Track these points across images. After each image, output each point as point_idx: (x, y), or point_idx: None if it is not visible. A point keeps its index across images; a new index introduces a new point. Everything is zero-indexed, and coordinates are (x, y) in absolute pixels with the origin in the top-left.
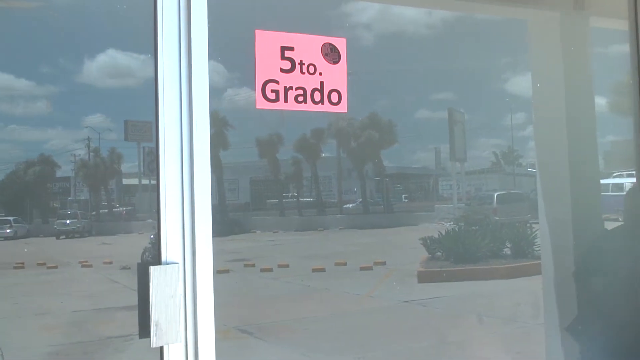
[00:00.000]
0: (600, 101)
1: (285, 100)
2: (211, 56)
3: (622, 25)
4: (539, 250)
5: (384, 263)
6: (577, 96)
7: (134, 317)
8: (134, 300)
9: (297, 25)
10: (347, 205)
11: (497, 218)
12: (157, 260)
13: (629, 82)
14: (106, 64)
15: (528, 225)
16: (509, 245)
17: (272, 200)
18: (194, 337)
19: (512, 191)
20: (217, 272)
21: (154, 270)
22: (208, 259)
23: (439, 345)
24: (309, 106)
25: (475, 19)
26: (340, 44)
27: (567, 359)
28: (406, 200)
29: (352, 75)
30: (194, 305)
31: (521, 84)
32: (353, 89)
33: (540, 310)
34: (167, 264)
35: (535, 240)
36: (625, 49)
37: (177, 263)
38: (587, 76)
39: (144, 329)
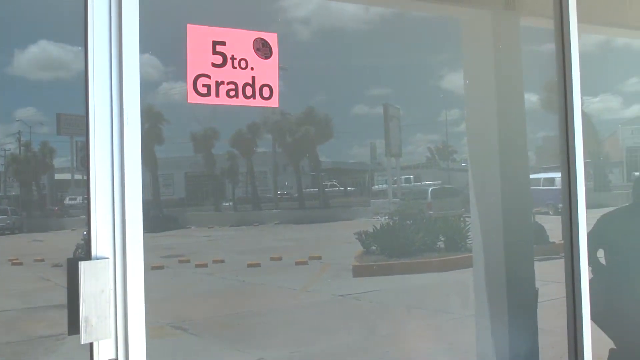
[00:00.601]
0: (533, 98)
1: (217, 94)
2: (145, 49)
3: (550, 24)
4: (472, 243)
5: (319, 258)
6: (508, 93)
7: (65, 316)
8: (65, 298)
9: (230, 20)
10: (283, 200)
11: (431, 212)
12: (88, 256)
13: (554, 80)
14: (37, 56)
15: (461, 219)
16: (442, 239)
17: (207, 196)
18: (124, 333)
19: (446, 186)
20: (152, 268)
21: (83, 265)
22: (139, 254)
23: (373, 338)
24: (241, 101)
25: (412, 16)
26: (272, 39)
27: (496, 348)
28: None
29: (289, 71)
30: (124, 300)
31: (456, 81)
32: (290, 84)
33: (471, 302)
34: (97, 259)
35: (468, 234)
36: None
37: (107, 258)
38: (518, 74)
39: (74, 325)
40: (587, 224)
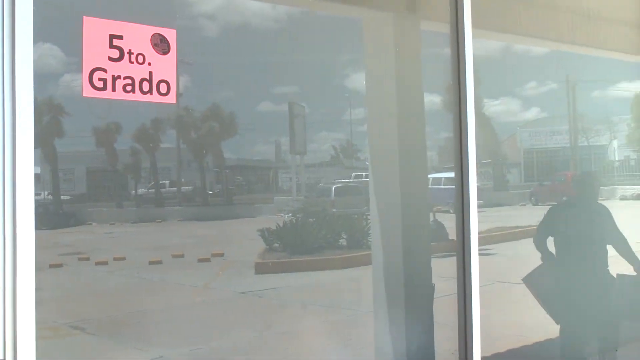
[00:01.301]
0: (435, 99)
1: (113, 89)
2: (45, 39)
3: (449, 29)
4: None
5: (222, 255)
6: (408, 94)
7: None
8: None
9: (130, 13)
10: (187, 197)
11: (334, 210)
12: None
13: (450, 83)
14: None
15: (364, 217)
16: (344, 237)
17: (109, 191)
18: (13, 333)
19: (349, 184)
20: (50, 266)
21: None
22: (30, 252)
23: (274, 334)
24: (138, 96)
25: (318, 15)
26: (170, 35)
27: (393, 343)
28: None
29: (194, 65)
30: (13, 300)
31: (360, 80)
32: (195, 80)
33: (370, 299)
34: None
35: (369, 232)
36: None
37: None
38: (418, 76)
39: None
40: (491, 221)
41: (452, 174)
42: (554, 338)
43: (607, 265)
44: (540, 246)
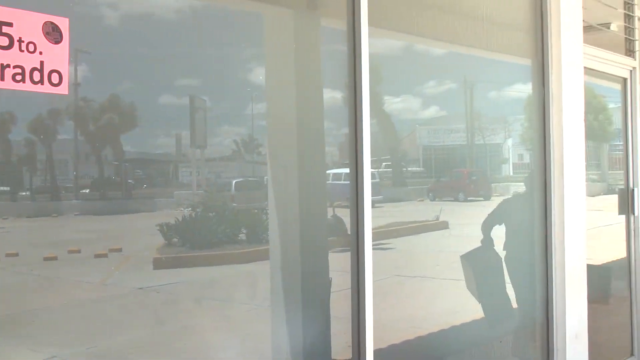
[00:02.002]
0: (337, 95)
1: (2, 78)
2: None
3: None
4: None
5: (120, 250)
6: (307, 90)
7: None
8: None
9: (22, 0)
10: (84, 191)
11: (234, 205)
12: None
13: (347, 80)
14: None
15: (263, 212)
16: (244, 231)
17: (2, 184)
18: None
19: (250, 179)
20: None
21: None
22: None
23: (172, 330)
24: (28, 86)
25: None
26: (63, 23)
27: (290, 337)
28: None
29: (92, 55)
30: None
31: (262, 75)
32: (93, 70)
33: (267, 293)
34: None
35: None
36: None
37: None
38: (317, 72)
39: None
40: (389, 216)
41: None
42: (447, 329)
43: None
44: (485, 231)
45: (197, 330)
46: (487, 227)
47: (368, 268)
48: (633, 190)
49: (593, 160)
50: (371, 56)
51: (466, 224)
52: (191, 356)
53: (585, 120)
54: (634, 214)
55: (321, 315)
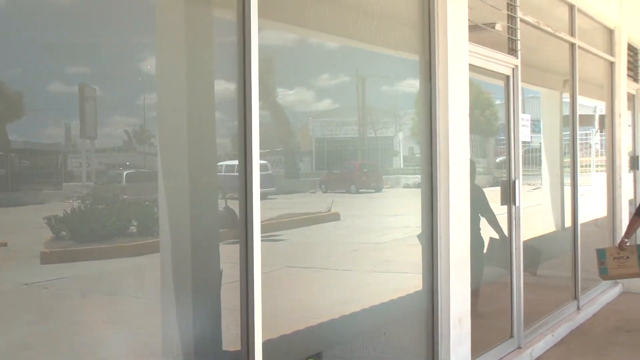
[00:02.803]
0: (231, 87)
1: None
2: None
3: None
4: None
5: (5, 244)
6: (198, 82)
7: None
8: None
9: None
10: None
11: (125, 197)
12: None
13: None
14: None
15: (155, 204)
16: (135, 224)
17: None
18: None
19: (141, 170)
20: None
21: None
22: None
23: (61, 326)
24: None
25: None
26: None
27: (181, 330)
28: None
29: None
30: None
31: (154, 65)
32: None
33: (158, 286)
34: None
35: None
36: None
37: None
38: (209, 63)
39: None
40: (282, 208)
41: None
42: (337, 318)
43: (479, 230)
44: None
45: (87, 325)
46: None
47: (257, 260)
48: (514, 182)
49: (480, 153)
50: (263, 48)
51: (358, 215)
52: (81, 352)
53: (471, 115)
54: (515, 204)
55: (212, 306)
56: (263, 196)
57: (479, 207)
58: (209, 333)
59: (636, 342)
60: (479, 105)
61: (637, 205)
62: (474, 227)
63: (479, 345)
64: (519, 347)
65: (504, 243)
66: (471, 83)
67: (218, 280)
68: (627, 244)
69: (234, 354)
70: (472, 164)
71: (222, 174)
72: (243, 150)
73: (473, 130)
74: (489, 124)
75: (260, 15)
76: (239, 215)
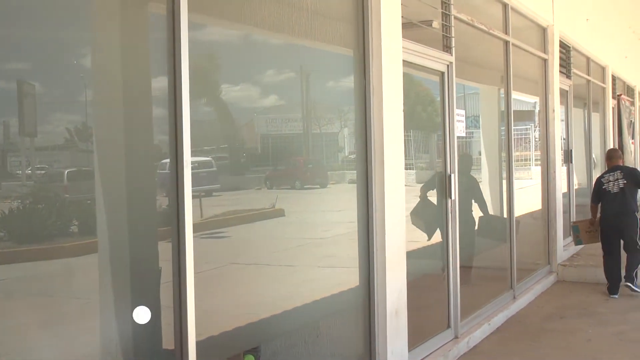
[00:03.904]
0: (164, 84)
1: None
2: None
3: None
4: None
5: None
6: (134, 78)
7: None
8: None
9: None
10: None
11: (67, 196)
12: None
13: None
14: None
15: (96, 203)
16: (76, 223)
17: None
18: None
19: (83, 168)
20: None
21: None
22: None
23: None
24: None
25: None
26: None
27: (120, 330)
28: None
29: None
30: None
31: (92, 61)
32: None
33: (97, 286)
34: None
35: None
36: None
37: None
38: (145, 59)
39: None
40: (227, 205)
41: (195, 159)
42: (279, 313)
43: (471, 212)
44: (423, 193)
45: (25, 328)
46: None
47: (189, 258)
48: (450, 176)
49: (423, 149)
50: (201, 44)
51: (302, 211)
52: (18, 355)
53: (413, 111)
54: (451, 197)
55: (151, 305)
56: (208, 193)
57: (472, 194)
58: (148, 332)
59: (568, 327)
60: (421, 101)
61: (592, 194)
62: (467, 211)
63: (416, 336)
64: (456, 337)
65: (490, 222)
66: (413, 80)
67: (157, 278)
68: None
69: (171, 353)
70: (469, 158)
71: (166, 171)
72: (174, 148)
73: (416, 126)
74: (431, 120)
75: (191, 10)
76: (170, 213)
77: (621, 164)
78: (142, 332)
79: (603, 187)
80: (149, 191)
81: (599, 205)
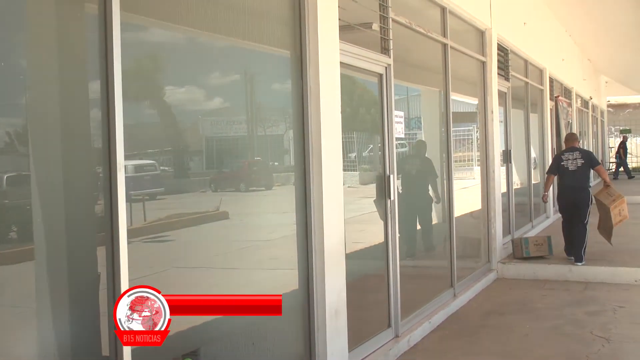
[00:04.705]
0: (98, 86)
1: None
2: None
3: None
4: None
5: None
6: (69, 80)
7: None
8: None
9: None
10: None
11: (6, 201)
12: None
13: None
14: None
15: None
16: (14, 229)
17: None
18: None
19: (24, 173)
20: None
21: None
22: None
23: None
24: None
25: None
26: None
27: (58, 337)
28: None
29: None
30: None
31: (29, 62)
32: None
33: (34, 293)
34: None
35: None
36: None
37: None
38: (79, 61)
39: None
40: (171, 208)
41: (138, 162)
42: (220, 317)
43: (428, 191)
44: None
45: None
46: None
47: (124, 263)
48: (389, 176)
49: (366, 150)
50: (135, 45)
51: (247, 214)
52: None
53: (357, 113)
54: (390, 198)
55: (90, 312)
56: (151, 197)
57: (429, 174)
58: (87, 339)
59: (507, 323)
60: (365, 103)
61: (550, 166)
62: (425, 191)
63: (357, 336)
64: (397, 336)
65: (440, 200)
66: (356, 82)
67: (96, 284)
68: (548, 196)
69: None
70: (423, 144)
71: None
72: (107, 151)
73: (359, 127)
74: (374, 122)
75: (124, 10)
76: (104, 219)
77: (577, 146)
78: (81, 339)
79: (562, 163)
80: (86, 195)
81: (556, 177)
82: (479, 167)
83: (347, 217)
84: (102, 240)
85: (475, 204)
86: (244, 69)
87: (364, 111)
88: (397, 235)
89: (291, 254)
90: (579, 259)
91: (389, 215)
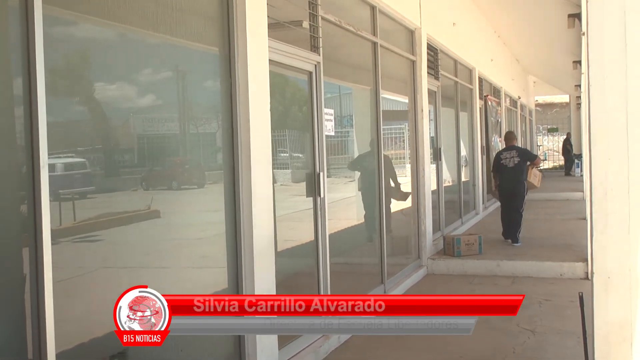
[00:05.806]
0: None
1: None
2: None
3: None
4: None
5: None
6: None
7: None
8: None
9: None
10: None
11: None
12: None
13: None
14: None
15: None
16: None
17: None
18: None
19: None
20: None
21: None
22: None
23: None
24: None
25: None
26: None
27: None
28: None
29: None
30: None
31: None
32: None
33: None
34: None
35: None
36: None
37: None
38: (3, 56)
39: None
40: (101, 207)
41: (67, 160)
42: None
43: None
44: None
45: None
46: None
47: (47, 265)
48: (319, 174)
49: (299, 148)
50: (59, 40)
51: (178, 212)
52: None
53: (289, 111)
54: (320, 196)
55: (15, 314)
56: (82, 195)
57: (388, 169)
58: (11, 342)
59: None
60: (297, 101)
61: (492, 165)
62: (372, 190)
63: (286, 334)
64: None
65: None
66: (288, 80)
67: (21, 286)
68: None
69: None
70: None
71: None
72: (30, 149)
73: (291, 125)
74: (306, 120)
75: (46, 3)
76: (27, 219)
77: (515, 144)
78: (5, 342)
79: (501, 161)
80: (10, 195)
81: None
82: (409, 165)
83: (279, 214)
84: (27, 241)
85: (406, 201)
86: (174, 66)
87: (296, 109)
88: (327, 232)
89: (221, 252)
90: (515, 240)
91: (319, 212)
